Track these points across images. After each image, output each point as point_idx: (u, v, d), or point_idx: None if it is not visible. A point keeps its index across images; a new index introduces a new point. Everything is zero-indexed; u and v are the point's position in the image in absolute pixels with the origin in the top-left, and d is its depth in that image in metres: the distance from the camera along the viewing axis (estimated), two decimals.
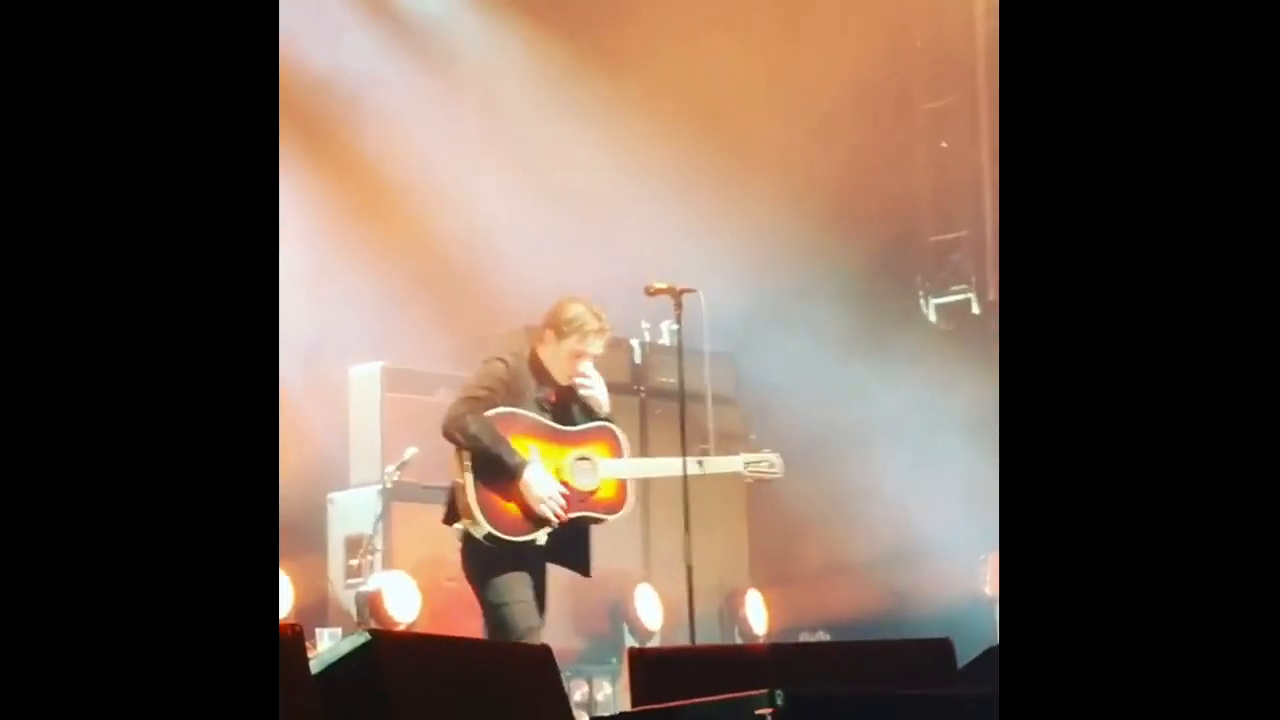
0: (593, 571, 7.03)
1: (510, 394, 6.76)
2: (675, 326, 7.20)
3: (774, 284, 11.12)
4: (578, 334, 6.82)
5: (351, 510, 9.86)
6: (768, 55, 11.34)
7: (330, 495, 10.03)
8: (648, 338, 10.67)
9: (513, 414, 6.74)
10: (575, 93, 11.30)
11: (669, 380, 9.60)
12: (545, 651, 5.09)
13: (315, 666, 4.27)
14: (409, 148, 11.05)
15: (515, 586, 6.68)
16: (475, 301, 10.58)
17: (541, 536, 6.70)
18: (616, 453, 6.89)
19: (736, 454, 7.35)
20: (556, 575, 6.93)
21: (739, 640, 10.42)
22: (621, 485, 6.90)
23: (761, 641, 10.24)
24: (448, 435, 6.69)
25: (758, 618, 10.67)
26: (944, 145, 12.33)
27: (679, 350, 7.22)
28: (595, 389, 6.89)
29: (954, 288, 12.26)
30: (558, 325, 6.85)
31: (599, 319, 6.86)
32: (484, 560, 6.71)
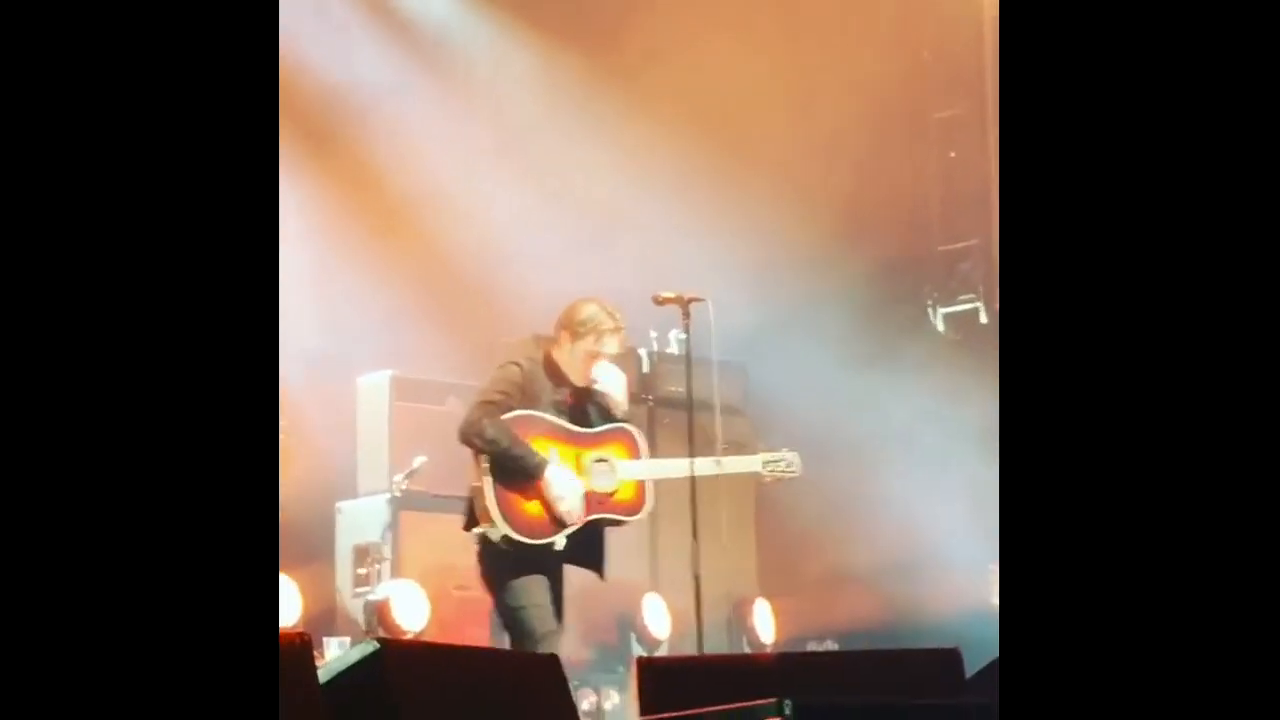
0: (600, 583, 7.00)
1: (526, 398, 6.74)
2: (683, 335, 7.18)
3: (782, 293, 11.11)
4: (593, 334, 6.81)
5: (360, 519, 9.86)
6: (777, 65, 11.34)
7: (339, 504, 10.03)
8: (656, 347, 10.67)
9: (530, 417, 6.72)
10: (584, 102, 11.31)
11: (677, 389, 9.58)
12: (553, 661, 5.09)
13: (323, 675, 4.27)
14: (418, 158, 11.06)
15: (533, 590, 6.66)
16: (484, 311, 10.59)
17: (560, 541, 6.68)
18: (634, 454, 6.88)
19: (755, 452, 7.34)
20: (565, 583, 6.92)
21: (747, 649, 10.41)
22: (640, 486, 6.88)
23: (769, 651, 10.24)
24: (465, 440, 6.67)
25: (765, 627, 10.66)
26: (953, 155, 12.31)
27: (687, 359, 7.21)
28: (614, 387, 6.88)
29: (962, 297, 12.24)
30: (572, 326, 6.83)
31: (614, 318, 6.85)
32: (501, 564, 6.69)
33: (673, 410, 9.99)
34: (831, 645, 10.71)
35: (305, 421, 9.64)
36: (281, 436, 8.81)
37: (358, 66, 11.18)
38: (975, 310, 12.16)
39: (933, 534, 10.64)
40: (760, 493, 10.70)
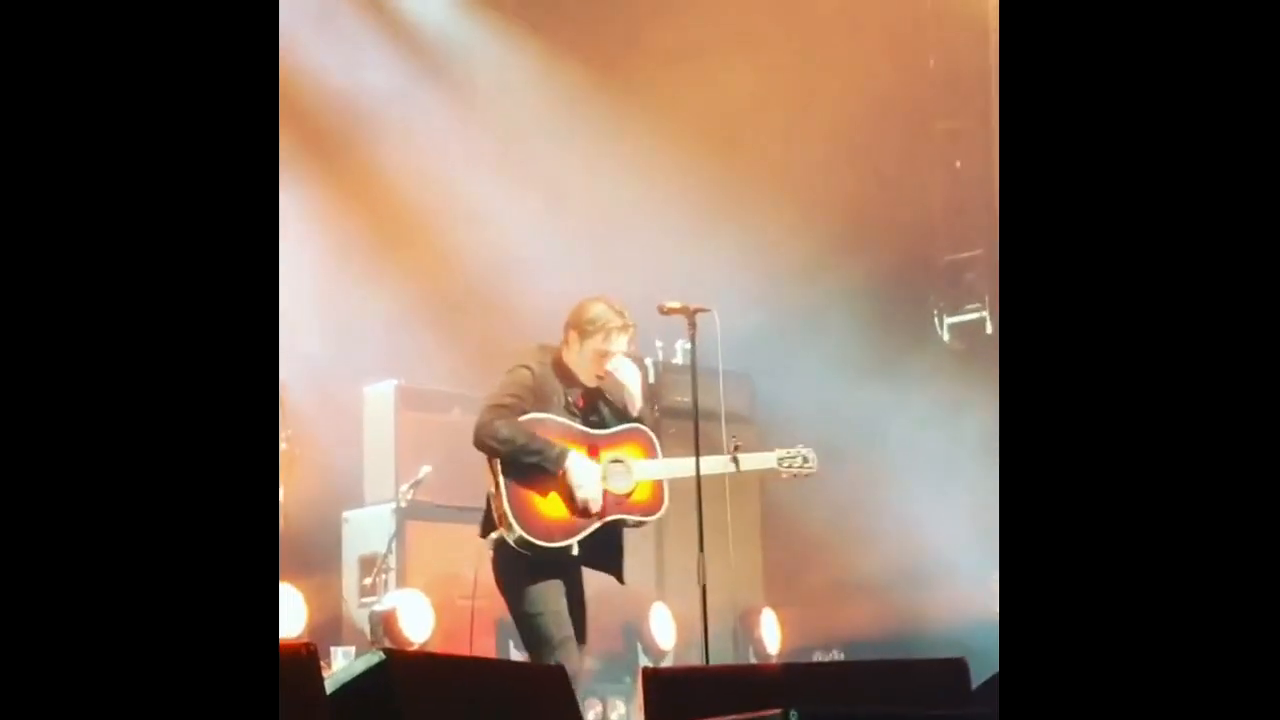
0: (605, 592, 6.96)
1: (538, 400, 6.70)
2: (689, 346, 7.17)
3: (788, 303, 11.12)
4: (601, 333, 6.77)
5: (366, 529, 9.86)
6: (781, 75, 11.35)
7: (344, 514, 10.04)
8: (661, 357, 10.68)
9: (542, 419, 6.67)
10: (590, 113, 11.33)
11: (683, 399, 9.60)
12: (560, 672, 5.09)
13: (329, 685, 4.27)
14: (424, 168, 11.08)
15: (549, 595, 6.59)
16: (489, 321, 10.59)
17: (576, 545, 6.62)
18: (650, 453, 6.83)
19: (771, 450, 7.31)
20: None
21: (753, 659, 10.40)
22: (657, 486, 6.83)
23: (775, 661, 10.22)
24: (479, 444, 6.60)
25: (771, 637, 10.66)
26: (958, 165, 12.32)
27: (693, 369, 7.18)
28: (631, 379, 6.84)
29: (968, 307, 12.25)
30: (580, 326, 6.80)
31: (622, 316, 6.81)
32: (517, 568, 6.61)
33: (679, 420, 9.98)
34: (837, 655, 10.71)
35: (311, 431, 9.65)
36: (287, 446, 8.83)
37: (363, 76, 11.20)
38: (981, 320, 12.16)
39: (939, 544, 10.64)
40: (766, 503, 10.70)
